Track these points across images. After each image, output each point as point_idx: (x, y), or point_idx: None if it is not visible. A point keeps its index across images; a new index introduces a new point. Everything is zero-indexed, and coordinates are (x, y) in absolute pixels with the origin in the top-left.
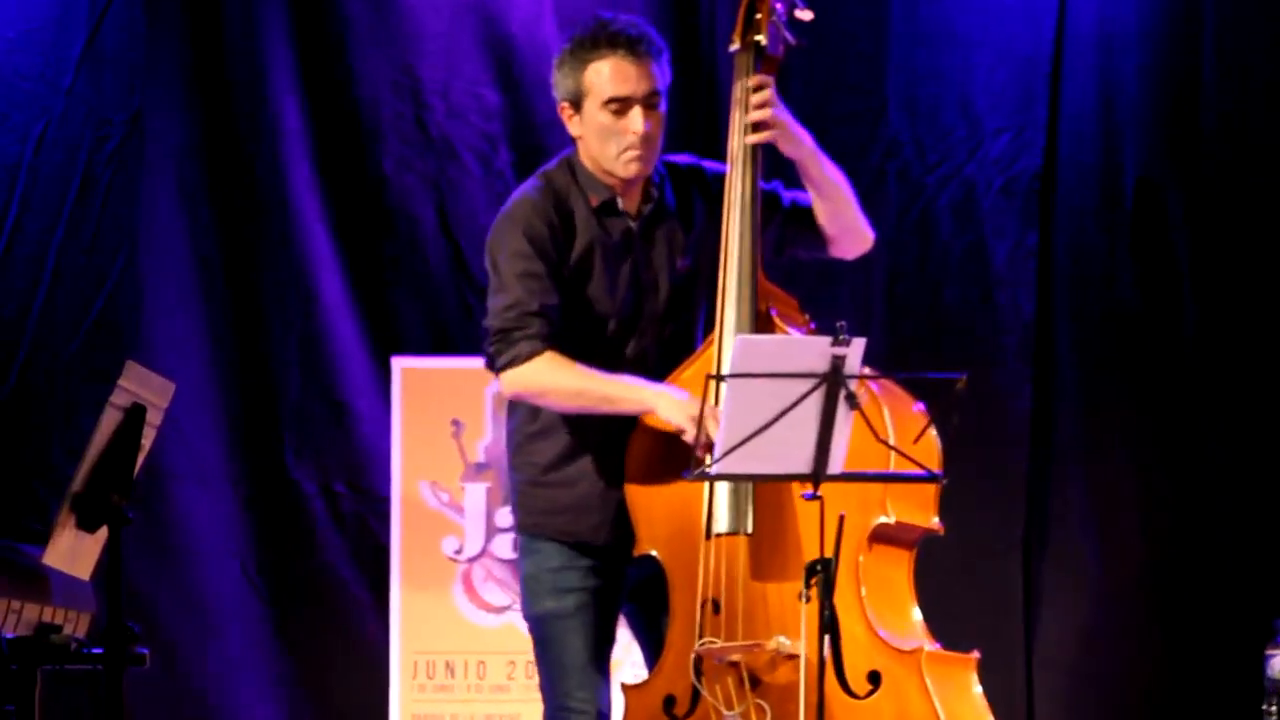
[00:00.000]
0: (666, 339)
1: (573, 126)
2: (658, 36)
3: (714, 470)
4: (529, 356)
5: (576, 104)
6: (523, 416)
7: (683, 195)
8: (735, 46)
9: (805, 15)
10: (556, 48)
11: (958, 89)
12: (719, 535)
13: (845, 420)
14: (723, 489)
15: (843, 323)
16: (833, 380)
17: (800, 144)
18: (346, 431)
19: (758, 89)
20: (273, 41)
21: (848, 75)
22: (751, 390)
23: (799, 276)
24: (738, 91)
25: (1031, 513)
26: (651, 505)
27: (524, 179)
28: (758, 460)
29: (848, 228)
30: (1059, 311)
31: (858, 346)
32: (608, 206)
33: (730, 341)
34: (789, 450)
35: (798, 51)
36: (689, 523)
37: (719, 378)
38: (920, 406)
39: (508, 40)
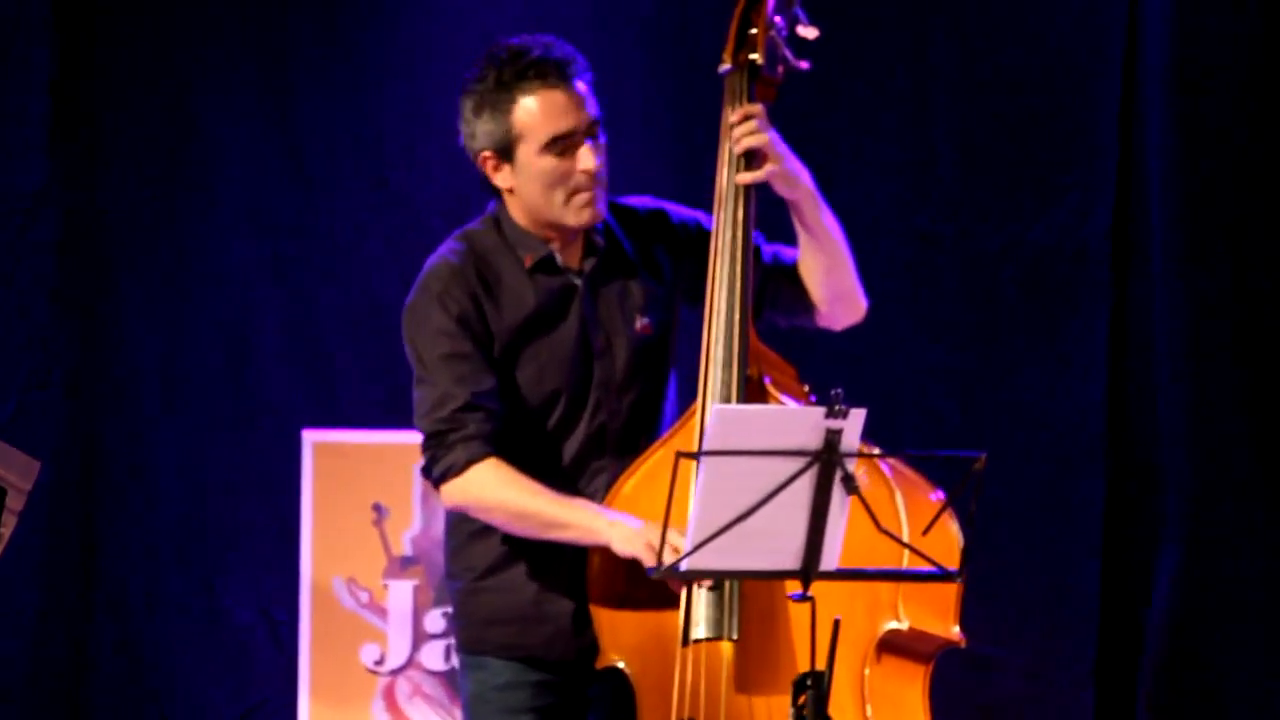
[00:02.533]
0: (628, 410)
1: (500, 179)
2: (580, 55)
3: (685, 566)
4: (466, 465)
5: (506, 152)
6: (461, 515)
7: (642, 244)
8: (726, 66)
9: (809, 32)
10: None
11: (1016, 137)
12: (698, 642)
13: (841, 507)
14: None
15: (838, 390)
16: (827, 459)
17: (798, 182)
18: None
19: (745, 117)
20: (209, 85)
21: (887, 118)
22: (730, 470)
23: (837, 357)
24: (727, 119)
25: (1105, 639)
26: (617, 607)
27: None
28: (737, 554)
29: (841, 292)
30: (1133, 399)
31: (856, 419)
32: (545, 264)
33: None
34: (775, 542)
35: (822, 86)
36: (662, 627)
37: (691, 455)
38: (939, 494)
39: None
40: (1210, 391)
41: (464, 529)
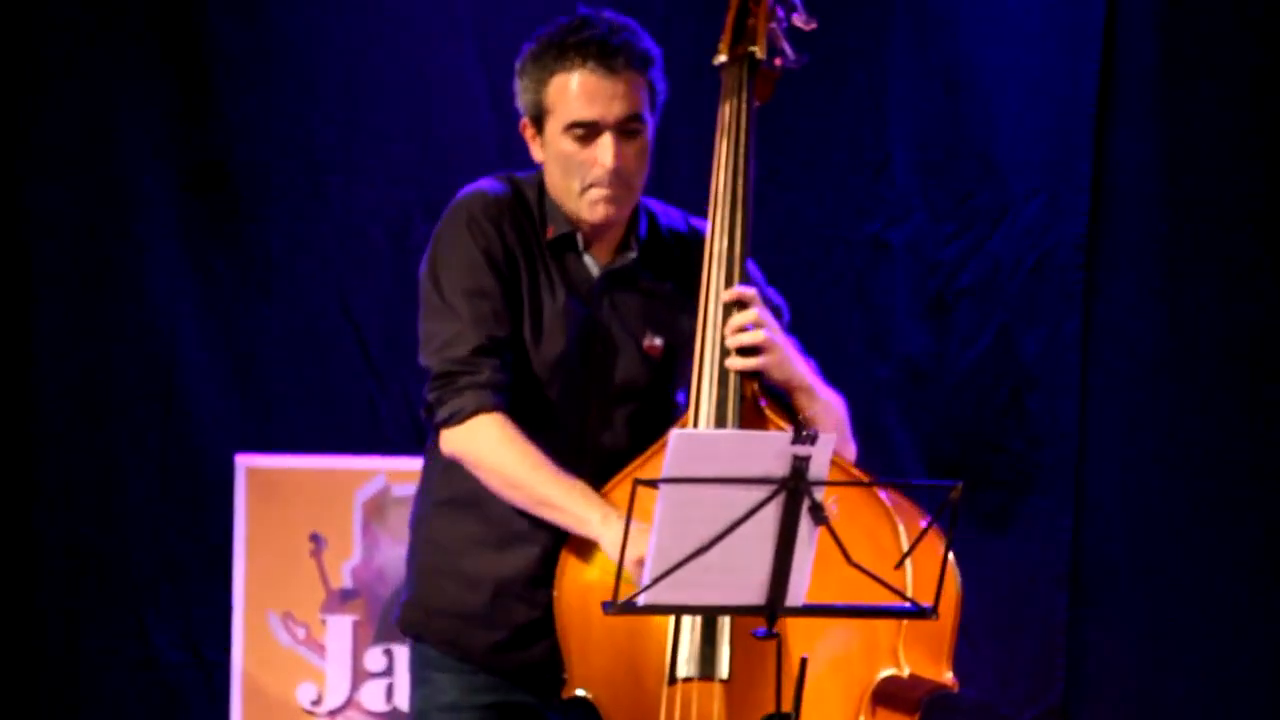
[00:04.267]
0: (621, 425)
1: (535, 149)
2: (649, 41)
3: (642, 600)
4: (474, 413)
5: (538, 122)
6: (435, 479)
7: (682, 262)
8: (722, 59)
9: (807, 24)
10: (480, 88)
11: (979, 140)
12: (686, 681)
13: (809, 538)
14: (691, 621)
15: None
16: (793, 487)
17: (792, 373)
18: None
19: (739, 304)
20: (126, 87)
21: (840, 119)
22: (692, 499)
23: None
24: (725, 118)
25: (1072, 675)
26: (589, 633)
27: None
28: (698, 588)
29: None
30: (1106, 420)
31: (825, 445)
32: (565, 242)
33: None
34: (739, 576)
35: (788, 79)
36: (637, 658)
37: (650, 483)
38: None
39: (424, 85)
40: (1189, 411)
41: (433, 496)
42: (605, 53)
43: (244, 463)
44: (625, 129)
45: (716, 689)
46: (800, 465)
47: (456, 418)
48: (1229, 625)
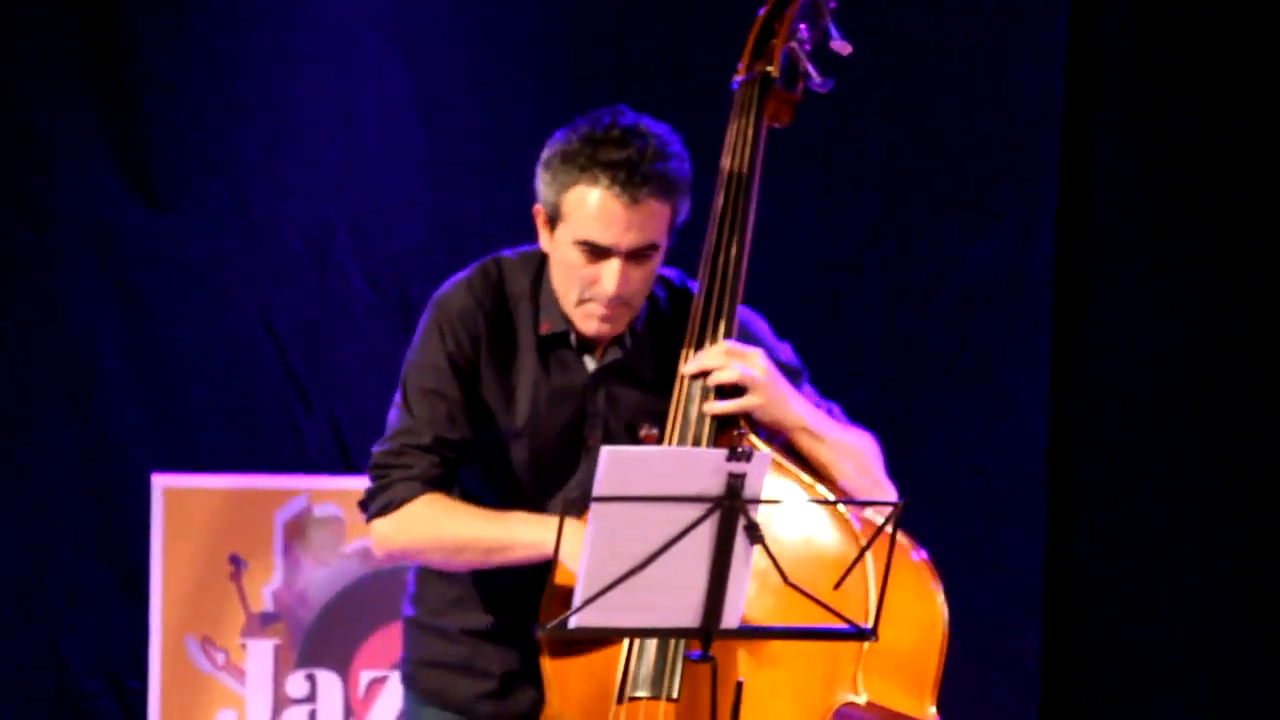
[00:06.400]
0: None
1: (543, 239)
2: (682, 160)
3: (573, 622)
4: (401, 504)
5: (551, 221)
6: None
7: (675, 341)
8: (739, 77)
9: (843, 48)
10: (406, 99)
11: (951, 154)
12: (635, 700)
13: (745, 558)
14: (647, 640)
15: (742, 429)
16: (728, 506)
17: (785, 413)
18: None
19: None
20: (44, 98)
21: (809, 139)
22: (624, 518)
23: None
24: (731, 135)
25: (1047, 707)
26: (568, 664)
27: (366, 274)
28: (632, 610)
29: (857, 490)
30: (1080, 445)
31: (761, 462)
32: (558, 339)
33: None
34: (673, 597)
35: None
36: (610, 686)
37: (579, 502)
38: (921, 554)
39: (349, 97)
40: (1166, 436)
41: None
42: (632, 181)
43: (161, 482)
44: (638, 256)
45: (668, 710)
46: (735, 483)
47: (387, 509)
48: (1207, 657)
